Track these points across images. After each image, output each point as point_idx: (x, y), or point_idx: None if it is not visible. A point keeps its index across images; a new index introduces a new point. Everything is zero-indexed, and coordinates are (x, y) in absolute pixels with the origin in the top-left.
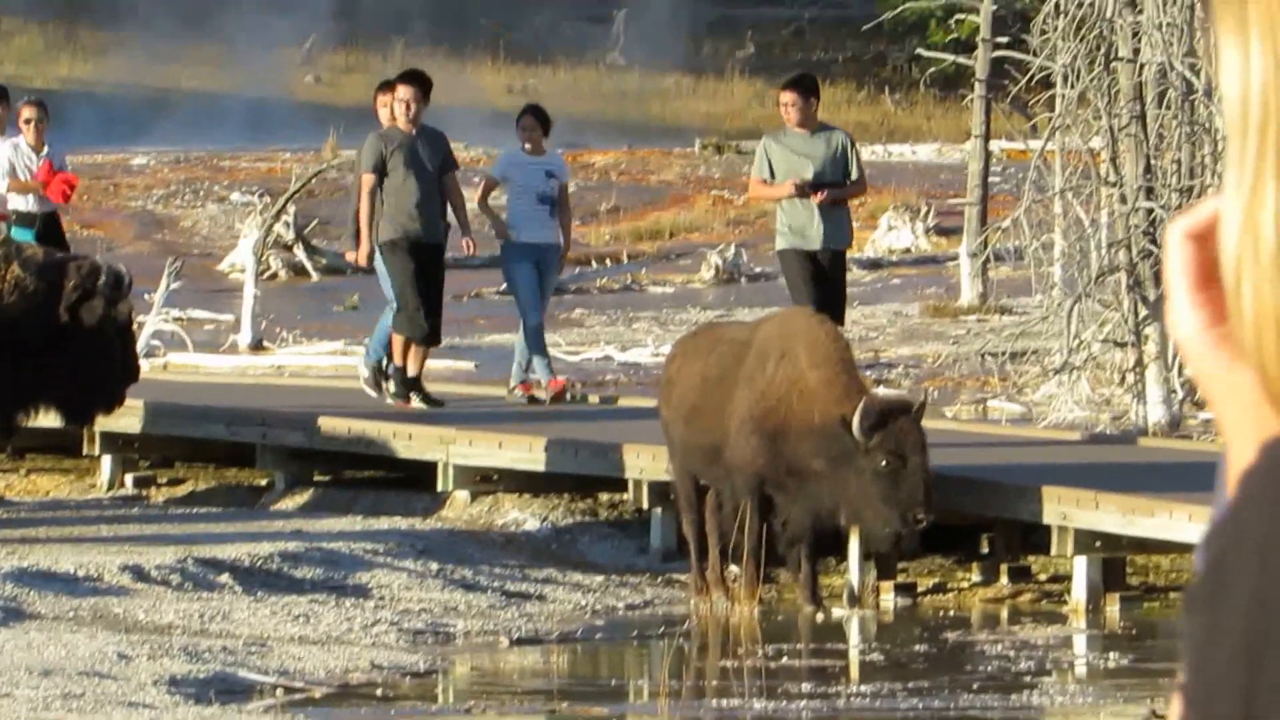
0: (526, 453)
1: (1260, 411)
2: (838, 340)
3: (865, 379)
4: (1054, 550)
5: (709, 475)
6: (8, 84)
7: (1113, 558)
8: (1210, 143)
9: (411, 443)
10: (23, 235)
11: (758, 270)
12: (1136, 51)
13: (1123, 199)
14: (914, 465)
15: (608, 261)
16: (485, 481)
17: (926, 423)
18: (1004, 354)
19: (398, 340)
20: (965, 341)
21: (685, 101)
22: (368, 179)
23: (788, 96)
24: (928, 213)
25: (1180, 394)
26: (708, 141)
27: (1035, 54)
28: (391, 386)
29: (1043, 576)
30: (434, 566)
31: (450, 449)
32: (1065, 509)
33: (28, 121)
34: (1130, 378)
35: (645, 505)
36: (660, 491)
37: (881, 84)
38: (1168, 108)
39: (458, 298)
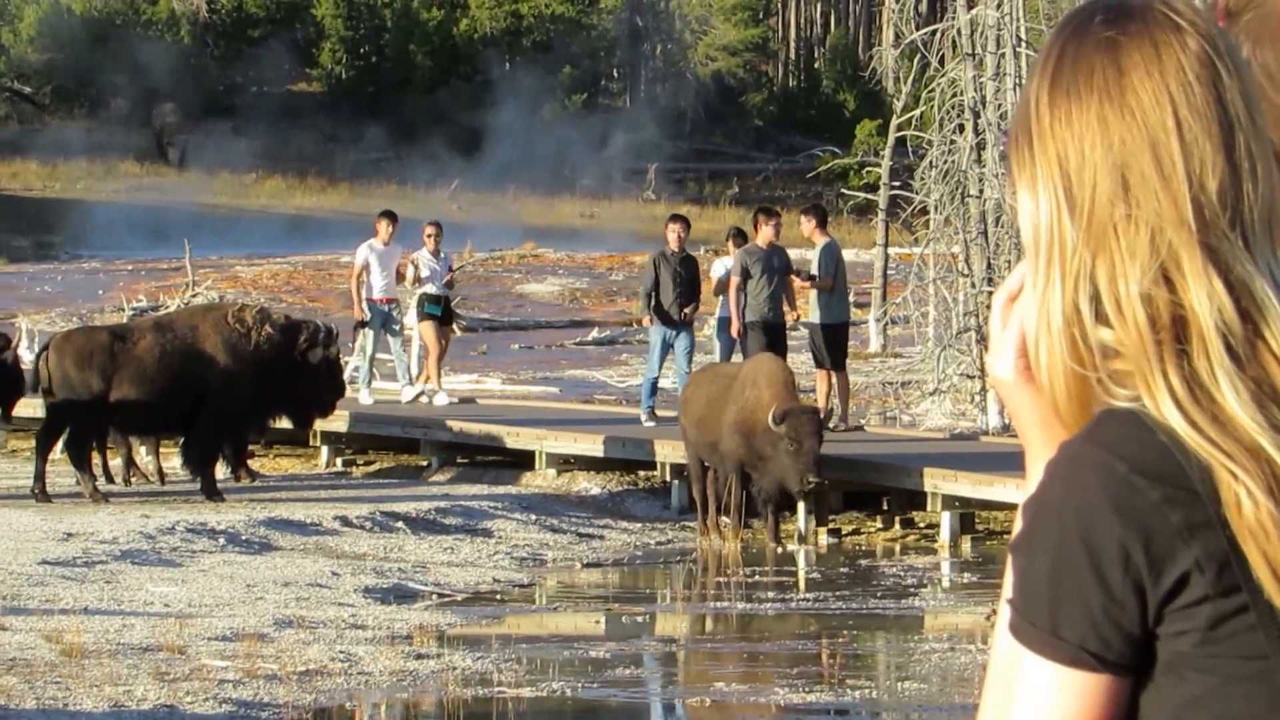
0: (592, 444)
1: (1053, 426)
2: (785, 372)
3: (799, 397)
4: (929, 508)
5: (710, 460)
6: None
7: (967, 513)
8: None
9: (519, 438)
10: (432, 310)
11: None
12: (981, 190)
13: (973, 284)
14: (808, 446)
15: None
16: (566, 463)
17: (844, 432)
18: (897, 384)
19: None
20: (873, 374)
21: (694, 223)
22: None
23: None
24: (849, 293)
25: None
26: (708, 250)
27: (917, 192)
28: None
29: (922, 525)
30: (533, 517)
31: (544, 442)
32: (937, 481)
33: (430, 236)
34: (977, 399)
35: (668, 478)
36: (678, 470)
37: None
38: (1001, 225)
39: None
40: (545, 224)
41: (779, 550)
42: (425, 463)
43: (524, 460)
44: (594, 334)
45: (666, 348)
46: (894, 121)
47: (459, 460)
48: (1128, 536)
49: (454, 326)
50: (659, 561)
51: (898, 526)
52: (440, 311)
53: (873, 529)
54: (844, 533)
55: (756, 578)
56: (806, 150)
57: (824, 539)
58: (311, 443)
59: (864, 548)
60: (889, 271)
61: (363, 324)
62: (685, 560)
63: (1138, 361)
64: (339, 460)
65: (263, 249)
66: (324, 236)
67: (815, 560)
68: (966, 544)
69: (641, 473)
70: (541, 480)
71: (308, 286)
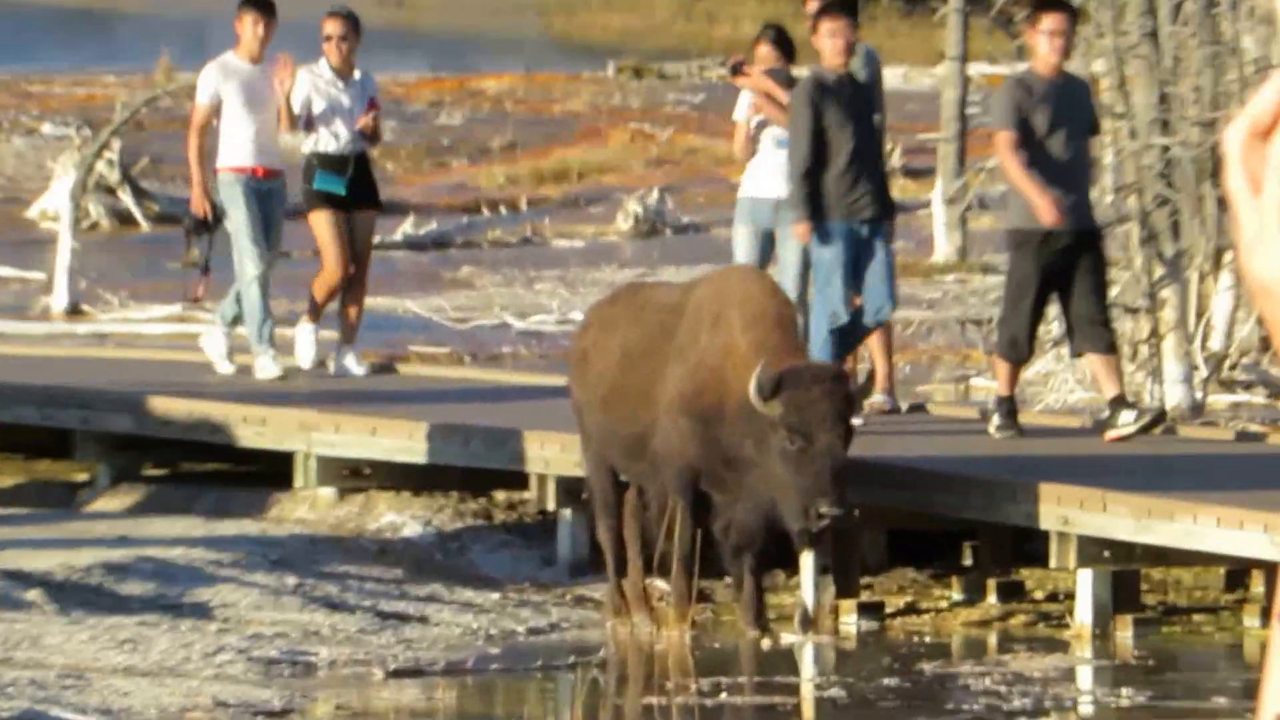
0: (405, 440)
1: None
2: (774, 296)
3: (804, 347)
4: (1053, 562)
5: (631, 470)
6: None
7: (1124, 571)
8: (1237, 66)
9: (265, 429)
10: (329, 184)
11: (685, 220)
12: None
13: (1132, 134)
14: (823, 445)
15: (502, 209)
16: (355, 476)
17: (887, 418)
18: (989, 322)
19: None
20: (942, 306)
21: (596, 15)
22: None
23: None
24: (893, 150)
25: (1204, 371)
26: (624, 64)
27: None
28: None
29: (1039, 594)
30: (291, 581)
31: (312, 436)
32: (1066, 511)
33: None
34: (1144, 351)
35: (551, 506)
36: (570, 489)
37: None
38: (1185, 23)
39: None
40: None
41: (765, 643)
42: (85, 476)
43: (275, 471)
44: (404, 228)
45: (852, 261)
46: None
47: (148, 472)
48: None
49: (367, 219)
50: (534, 667)
51: (992, 598)
52: (344, 186)
53: (944, 602)
54: (889, 610)
55: (723, 697)
56: None
57: (852, 622)
58: None
59: (928, 639)
60: (970, 108)
61: (203, 224)
62: (586, 663)
63: None
64: None
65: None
66: (106, 38)
67: (835, 664)
68: (1125, 631)
69: (500, 494)
70: (308, 510)
71: None
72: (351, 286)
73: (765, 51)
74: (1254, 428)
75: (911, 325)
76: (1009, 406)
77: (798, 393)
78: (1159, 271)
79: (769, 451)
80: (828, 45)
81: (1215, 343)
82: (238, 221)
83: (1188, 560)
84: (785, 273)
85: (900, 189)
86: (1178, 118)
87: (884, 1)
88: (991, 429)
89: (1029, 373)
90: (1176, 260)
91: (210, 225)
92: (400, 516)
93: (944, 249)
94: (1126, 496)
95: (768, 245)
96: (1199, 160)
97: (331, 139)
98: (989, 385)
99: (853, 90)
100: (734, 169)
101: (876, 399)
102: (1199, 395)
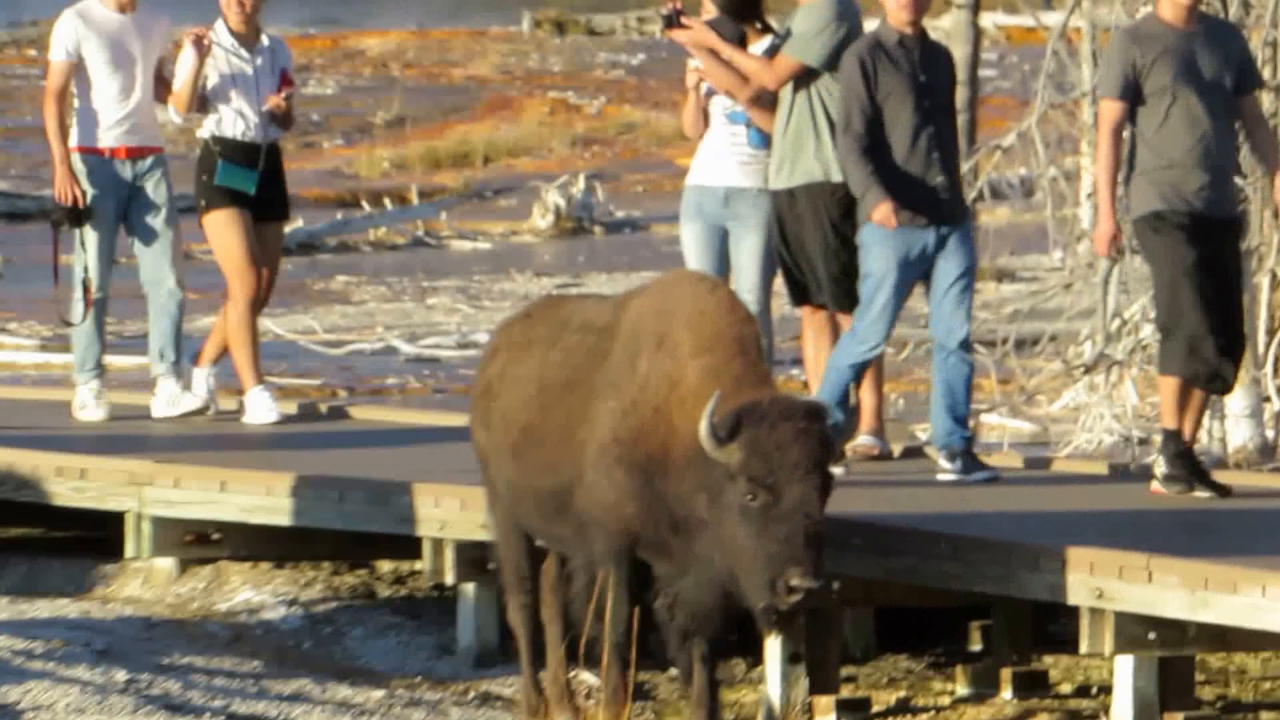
0: (264, 497)
1: None
2: (732, 312)
3: (771, 374)
4: (1084, 646)
5: (550, 533)
6: None
7: (1174, 657)
8: None
9: (85, 483)
10: (235, 179)
11: (619, 215)
12: None
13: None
14: (792, 500)
15: (387, 202)
16: (201, 543)
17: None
18: (1005, 342)
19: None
20: None
21: None
22: None
23: None
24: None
25: (1276, 402)
26: (542, 15)
27: None
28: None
29: (1066, 687)
30: (121, 676)
31: (145, 493)
32: (1101, 582)
33: None
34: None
35: (449, 579)
36: (473, 559)
37: None
38: None
39: None
40: None
41: None
42: None
43: (100, 537)
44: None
45: (913, 274)
46: None
47: None
48: None
49: (277, 230)
50: None
51: (1007, 692)
52: (254, 183)
53: (947, 698)
54: (877, 709)
55: None
56: None
57: None
58: None
59: None
60: (984, 70)
61: (75, 214)
62: None
63: None
64: None
65: None
66: None
67: None
68: None
69: (386, 564)
70: (142, 585)
71: None
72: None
73: (713, 7)
74: None
75: (906, 348)
76: (1178, 446)
77: (760, 434)
78: None
79: (725, 509)
80: None
81: None
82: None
83: (1254, 644)
84: (741, 280)
85: None
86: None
87: None
88: (1156, 479)
89: (1054, 406)
90: (1243, 263)
91: (85, 214)
92: (258, 594)
93: None
94: (1177, 563)
95: (725, 245)
96: (1272, 135)
97: (236, 120)
98: (1003, 424)
99: (922, 56)
100: (683, 150)
101: (862, 441)
102: (1270, 434)
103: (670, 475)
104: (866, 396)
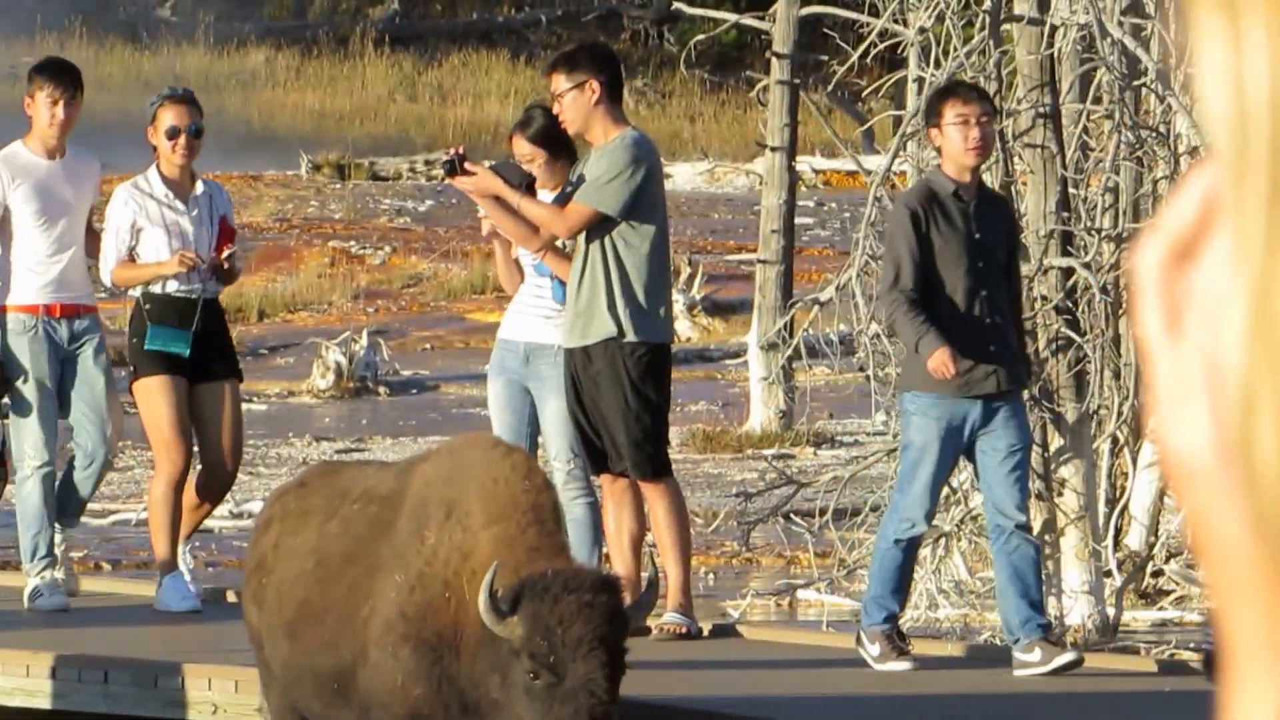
0: (21, 678)
1: None
2: (528, 478)
3: (567, 544)
4: None
5: (331, 718)
6: None
7: None
8: (1168, 160)
9: None
10: (166, 342)
11: (406, 374)
12: (1044, 6)
13: (1024, 253)
14: (577, 680)
15: None
16: None
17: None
18: (824, 513)
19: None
20: (759, 492)
21: (285, 93)
22: None
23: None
24: (693, 277)
25: (1117, 578)
26: (322, 159)
27: (873, 8)
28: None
29: None
30: None
31: None
32: None
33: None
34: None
35: None
36: None
37: (626, 65)
38: (1097, 100)
39: None
40: None
41: None
42: None
43: None
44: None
45: (958, 446)
46: None
47: None
48: None
49: (226, 392)
50: None
51: None
52: (188, 344)
53: None
54: None
55: None
56: None
57: None
58: None
59: None
60: (802, 218)
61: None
62: None
63: None
64: None
65: None
66: None
67: None
68: None
69: None
70: None
71: None
72: (212, 478)
73: (524, 147)
74: (1185, 655)
75: (718, 517)
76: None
77: (543, 608)
78: (1058, 442)
79: (512, 689)
80: (955, 138)
81: (1133, 540)
82: (20, 386)
83: None
84: (550, 446)
85: (703, 330)
86: (1086, 230)
87: (682, 71)
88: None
89: None
90: (1081, 427)
91: (5, 379)
92: None
93: (761, 414)
94: None
95: (529, 403)
96: (1114, 289)
97: (170, 277)
98: (822, 600)
99: (978, 209)
100: (473, 304)
101: (667, 618)
102: (1111, 611)
103: (462, 654)
104: (671, 568)
